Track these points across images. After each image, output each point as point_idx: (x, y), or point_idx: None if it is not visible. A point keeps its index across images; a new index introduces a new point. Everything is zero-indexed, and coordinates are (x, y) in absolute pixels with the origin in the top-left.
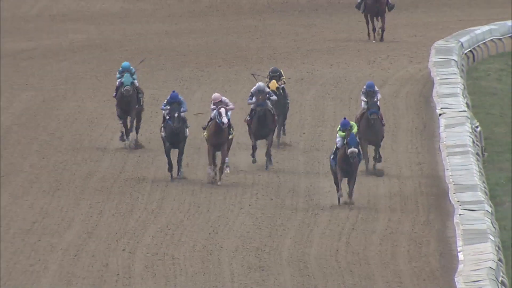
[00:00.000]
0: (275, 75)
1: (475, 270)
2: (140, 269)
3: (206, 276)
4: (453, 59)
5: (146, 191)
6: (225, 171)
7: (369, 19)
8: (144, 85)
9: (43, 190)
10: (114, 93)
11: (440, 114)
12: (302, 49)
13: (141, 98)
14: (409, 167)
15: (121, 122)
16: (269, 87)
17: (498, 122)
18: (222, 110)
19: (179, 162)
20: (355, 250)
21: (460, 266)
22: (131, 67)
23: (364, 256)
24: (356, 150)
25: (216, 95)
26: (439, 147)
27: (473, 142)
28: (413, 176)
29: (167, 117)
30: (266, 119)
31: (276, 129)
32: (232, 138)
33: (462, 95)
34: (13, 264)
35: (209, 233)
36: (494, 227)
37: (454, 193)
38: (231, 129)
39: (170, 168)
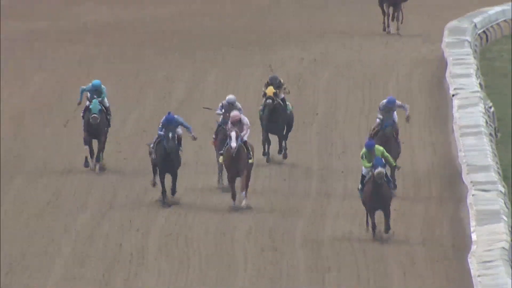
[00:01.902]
0: (273, 83)
1: (488, 250)
2: (154, 249)
3: (219, 257)
4: (466, 40)
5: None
6: (242, 204)
7: (385, 8)
8: (157, 67)
9: (56, 171)
10: (82, 113)
11: (453, 95)
12: (315, 31)
13: (109, 120)
14: (422, 147)
15: (86, 146)
16: (266, 93)
17: (511, 102)
18: (233, 133)
19: (173, 187)
20: (368, 231)
21: (473, 247)
22: (102, 86)
23: (377, 237)
24: (383, 170)
25: (234, 113)
26: (452, 128)
27: (486, 122)
28: (426, 157)
29: (160, 138)
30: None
31: (278, 144)
32: (252, 164)
33: (475, 75)
34: (27, 245)
35: (223, 214)
36: (507, 208)
37: (467, 173)
38: (250, 153)
39: (164, 193)
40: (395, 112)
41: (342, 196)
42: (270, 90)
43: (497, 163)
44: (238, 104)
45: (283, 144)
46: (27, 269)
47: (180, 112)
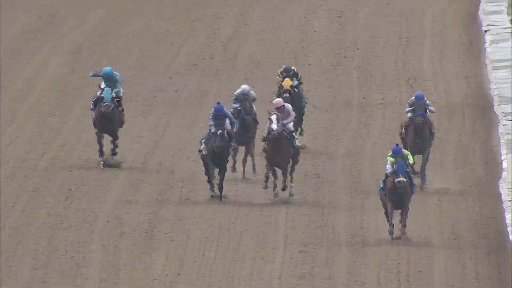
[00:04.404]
0: (288, 74)
1: None
2: (204, 176)
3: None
4: None
5: (210, 103)
6: (289, 192)
7: None
8: (206, 3)
9: None
10: (92, 106)
11: (485, 31)
12: None
13: (122, 112)
14: (456, 80)
15: (97, 140)
16: (282, 86)
17: None
18: (274, 116)
19: (221, 182)
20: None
21: (504, 174)
22: (115, 73)
23: (414, 164)
24: (404, 179)
25: (277, 100)
26: (485, 62)
27: None
28: (460, 89)
29: (210, 134)
30: (250, 127)
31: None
32: (297, 150)
33: (507, 12)
34: (85, 171)
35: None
36: None
37: (498, 105)
38: (292, 138)
39: (212, 187)
40: (430, 108)
41: (380, 126)
42: (287, 83)
43: None
44: (253, 93)
45: (299, 129)
46: (85, 195)
47: (228, 47)
